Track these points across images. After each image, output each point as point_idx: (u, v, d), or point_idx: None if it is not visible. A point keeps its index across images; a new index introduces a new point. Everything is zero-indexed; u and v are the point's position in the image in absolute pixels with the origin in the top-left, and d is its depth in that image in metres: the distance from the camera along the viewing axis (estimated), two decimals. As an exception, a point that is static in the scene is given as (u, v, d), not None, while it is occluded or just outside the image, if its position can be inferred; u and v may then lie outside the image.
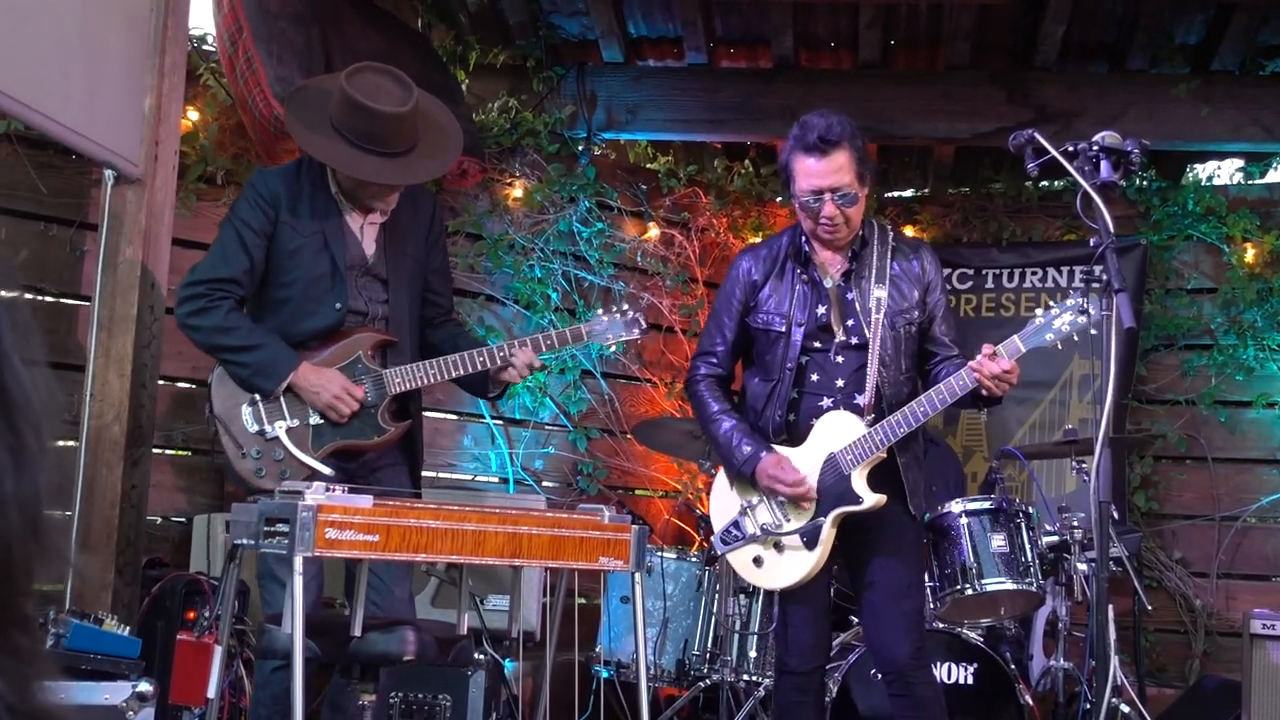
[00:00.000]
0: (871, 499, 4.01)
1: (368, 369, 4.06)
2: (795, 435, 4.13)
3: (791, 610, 4.18)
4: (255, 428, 3.98)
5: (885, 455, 4.04)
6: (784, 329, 4.11)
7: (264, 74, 5.14)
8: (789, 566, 4.12)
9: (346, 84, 3.96)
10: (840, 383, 4.08)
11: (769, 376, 4.16)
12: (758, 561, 4.18)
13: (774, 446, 4.12)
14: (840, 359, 4.09)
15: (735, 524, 4.20)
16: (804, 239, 4.15)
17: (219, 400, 4.02)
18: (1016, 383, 3.92)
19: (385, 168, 3.99)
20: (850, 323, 4.08)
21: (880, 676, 4.27)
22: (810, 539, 4.06)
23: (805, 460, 4.09)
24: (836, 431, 4.05)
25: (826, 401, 4.09)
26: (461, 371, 4.14)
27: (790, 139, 4.07)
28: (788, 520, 4.11)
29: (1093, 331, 3.66)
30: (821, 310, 4.10)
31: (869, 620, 4.17)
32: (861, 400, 4.04)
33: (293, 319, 4.05)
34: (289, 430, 3.98)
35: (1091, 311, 3.65)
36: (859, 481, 4.02)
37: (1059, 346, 3.93)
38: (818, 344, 4.10)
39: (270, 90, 5.16)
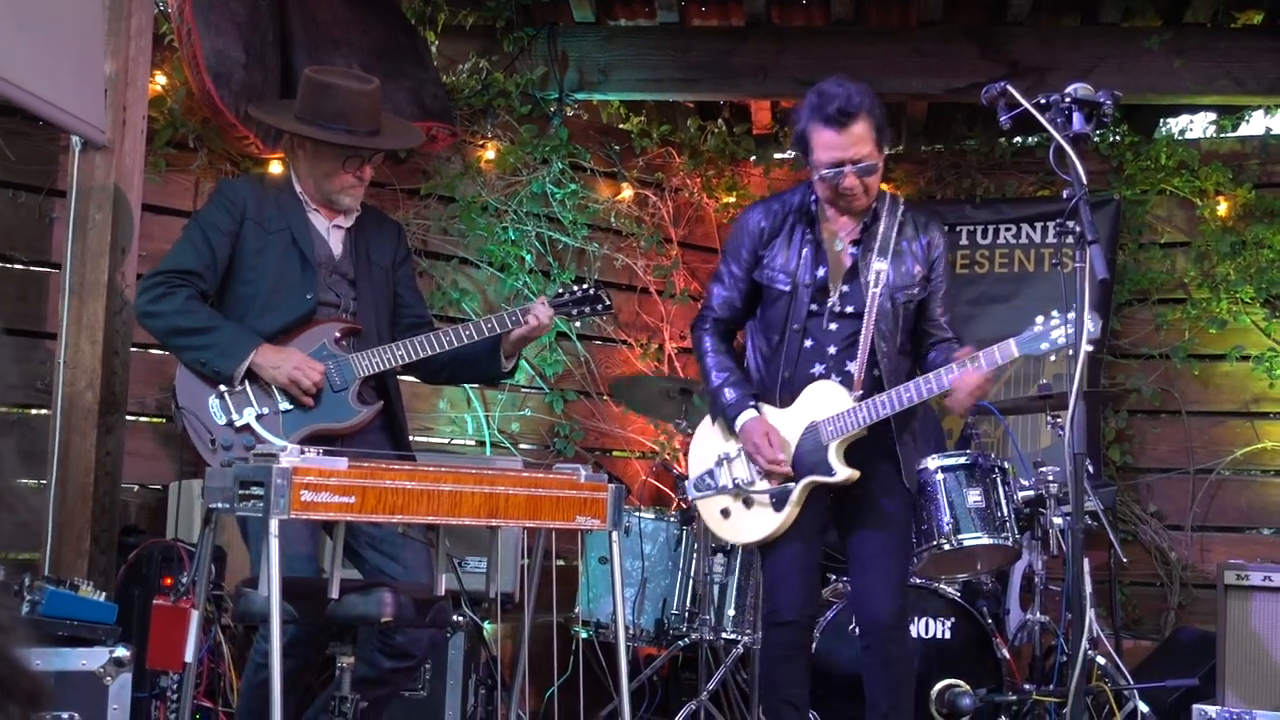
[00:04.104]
0: (844, 473, 4.03)
1: (333, 354, 4.06)
2: (785, 399, 4.14)
3: (775, 562, 4.19)
4: (224, 419, 3.97)
5: (865, 433, 4.03)
6: (789, 288, 4.11)
7: (200, 46, 5.06)
8: (754, 524, 4.16)
9: (310, 73, 4.14)
10: (832, 350, 4.09)
11: (770, 335, 4.17)
12: (725, 513, 4.22)
13: (763, 407, 4.13)
14: (833, 326, 4.10)
15: (710, 473, 4.23)
16: (814, 200, 4.14)
17: (185, 395, 4.00)
18: (984, 396, 4.01)
19: (352, 139, 4.08)
20: (846, 289, 4.08)
21: (858, 633, 4.30)
22: (779, 501, 4.08)
23: (789, 425, 4.10)
24: (823, 400, 4.06)
25: (818, 368, 4.10)
26: (430, 350, 4.15)
27: (806, 108, 4.01)
28: (760, 479, 4.13)
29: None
30: (821, 272, 4.10)
31: (855, 579, 4.21)
32: (852, 368, 4.04)
33: (262, 312, 4.05)
34: (259, 417, 3.96)
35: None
36: (835, 454, 4.04)
37: (1052, 358, 4.00)
38: (814, 306, 4.09)
39: (205, 63, 5.08)
